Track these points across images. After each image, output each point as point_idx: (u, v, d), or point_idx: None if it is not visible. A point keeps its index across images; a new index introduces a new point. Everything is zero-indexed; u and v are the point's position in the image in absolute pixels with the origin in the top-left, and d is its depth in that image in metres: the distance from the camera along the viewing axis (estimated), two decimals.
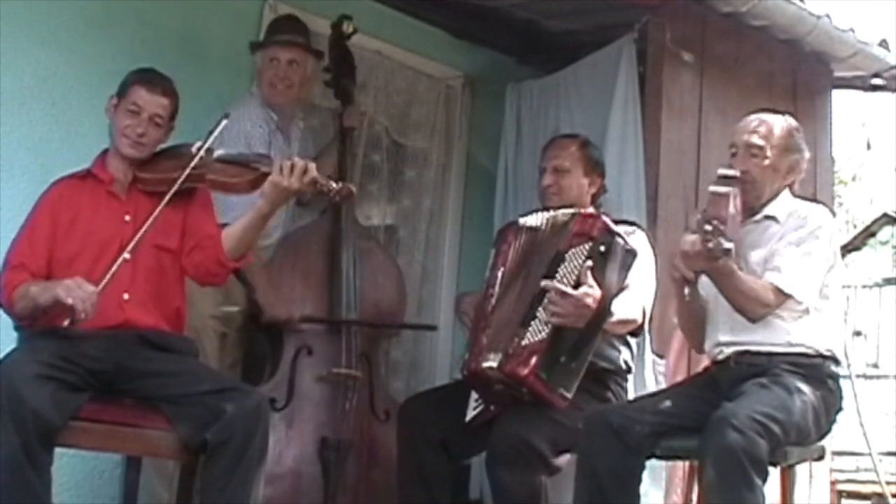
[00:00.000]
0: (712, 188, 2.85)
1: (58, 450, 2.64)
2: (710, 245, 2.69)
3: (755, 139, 3.01)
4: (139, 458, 3.05)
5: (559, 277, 3.04)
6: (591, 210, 3.30)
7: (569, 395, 3.02)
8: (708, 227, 2.70)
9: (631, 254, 3.11)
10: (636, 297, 3.21)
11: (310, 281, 3.78)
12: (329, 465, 3.56)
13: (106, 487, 3.60)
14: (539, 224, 3.26)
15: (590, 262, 3.00)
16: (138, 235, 2.83)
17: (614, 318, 3.09)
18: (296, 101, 3.86)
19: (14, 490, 2.50)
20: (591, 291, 2.96)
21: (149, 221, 2.84)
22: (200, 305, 3.40)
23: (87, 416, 2.68)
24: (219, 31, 4.03)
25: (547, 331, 2.98)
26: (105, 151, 3.03)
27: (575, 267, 3.02)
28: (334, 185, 2.94)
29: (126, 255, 2.80)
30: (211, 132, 2.98)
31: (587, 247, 3.04)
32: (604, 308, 3.00)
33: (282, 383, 3.61)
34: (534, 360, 2.96)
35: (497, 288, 3.23)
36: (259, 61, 3.80)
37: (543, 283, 3.02)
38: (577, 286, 2.98)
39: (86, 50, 3.70)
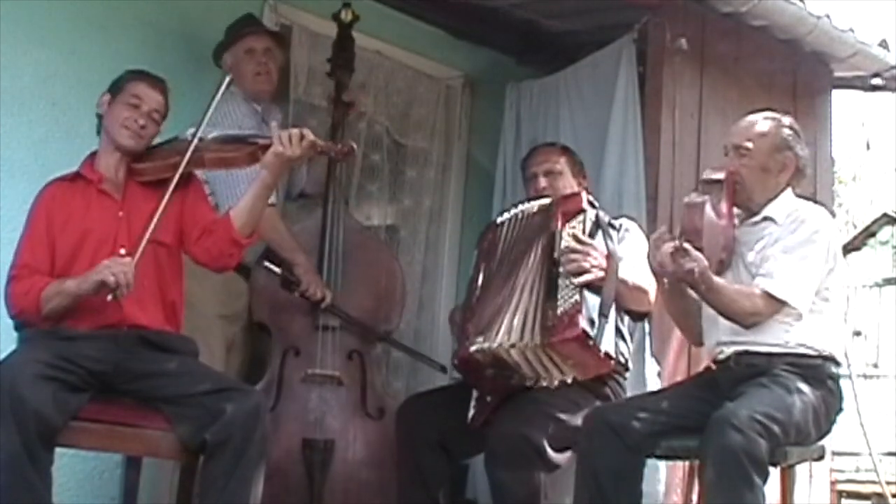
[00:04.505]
0: (686, 199, 2.91)
1: (58, 450, 2.64)
2: (673, 268, 2.73)
3: (742, 140, 3.03)
4: (139, 458, 3.05)
5: (561, 250, 3.12)
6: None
7: (613, 355, 3.05)
8: (676, 244, 2.74)
9: (612, 226, 3.23)
10: (645, 271, 3.23)
11: None
12: (313, 465, 3.55)
13: (106, 487, 3.60)
14: (519, 214, 3.33)
15: (587, 231, 3.13)
16: (150, 227, 2.83)
17: (630, 282, 3.15)
18: (273, 92, 3.87)
19: (15, 490, 2.51)
20: (596, 245, 3.08)
21: (159, 211, 2.85)
22: (204, 307, 3.39)
23: (87, 416, 2.69)
24: (219, 31, 4.02)
25: (576, 295, 3.02)
26: (93, 154, 3.04)
27: (572, 237, 3.12)
28: (334, 144, 2.97)
29: (152, 227, 2.84)
30: (213, 96, 3.02)
31: (580, 218, 3.16)
32: (613, 264, 3.08)
33: (271, 384, 3.60)
34: (578, 319, 2.98)
35: (480, 282, 3.30)
36: (231, 59, 3.77)
37: (556, 251, 3.09)
38: None
39: (86, 50, 3.70)
